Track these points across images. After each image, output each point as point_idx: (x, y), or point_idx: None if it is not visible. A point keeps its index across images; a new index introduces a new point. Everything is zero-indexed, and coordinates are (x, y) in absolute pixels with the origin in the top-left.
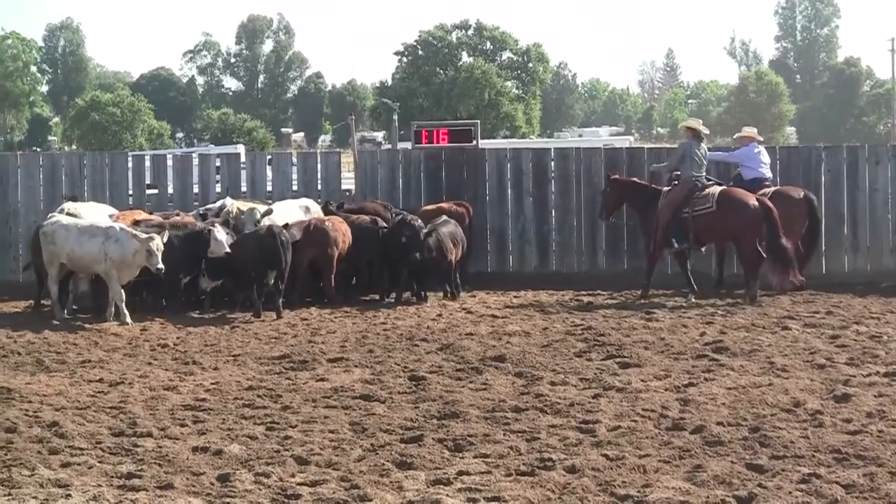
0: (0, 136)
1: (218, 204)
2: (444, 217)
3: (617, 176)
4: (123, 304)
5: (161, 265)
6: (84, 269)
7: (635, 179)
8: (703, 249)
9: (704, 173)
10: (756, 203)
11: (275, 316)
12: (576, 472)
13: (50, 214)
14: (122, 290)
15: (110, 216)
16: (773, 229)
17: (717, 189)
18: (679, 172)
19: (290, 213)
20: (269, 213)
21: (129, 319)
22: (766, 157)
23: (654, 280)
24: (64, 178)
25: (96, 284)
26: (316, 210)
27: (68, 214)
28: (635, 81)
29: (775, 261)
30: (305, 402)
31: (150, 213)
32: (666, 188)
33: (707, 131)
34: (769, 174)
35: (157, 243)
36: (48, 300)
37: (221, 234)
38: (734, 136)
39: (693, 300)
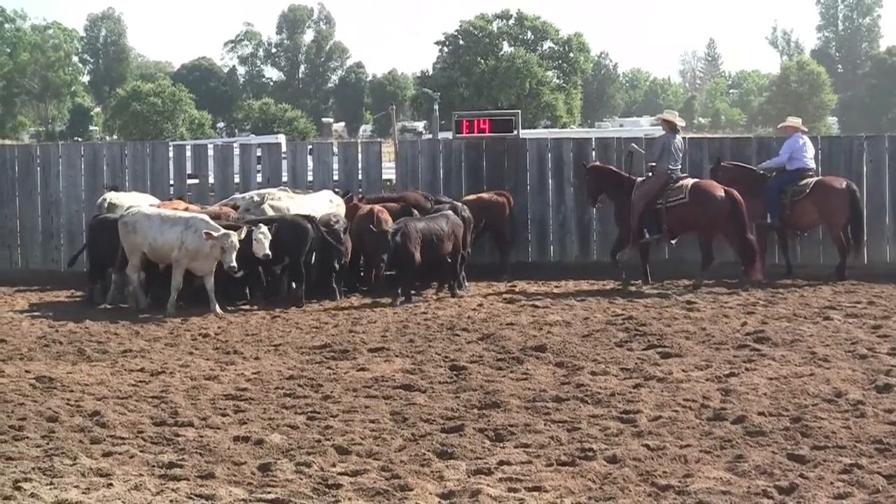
0: (42, 126)
1: (250, 194)
2: (445, 211)
3: (596, 163)
4: (176, 294)
5: (234, 263)
6: (162, 259)
7: (612, 168)
8: (673, 241)
9: (680, 166)
10: (723, 195)
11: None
12: (616, 462)
13: (129, 206)
14: (203, 282)
15: (151, 206)
16: (739, 223)
17: (690, 181)
18: (655, 164)
19: (316, 205)
20: (261, 202)
21: (172, 309)
22: (810, 148)
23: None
24: (105, 168)
25: (151, 274)
26: (338, 202)
27: (110, 204)
28: (676, 71)
29: (742, 254)
30: (346, 391)
31: (189, 204)
32: (640, 179)
33: (683, 123)
34: (812, 165)
35: (233, 241)
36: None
37: (263, 236)
38: (778, 126)
39: (647, 290)
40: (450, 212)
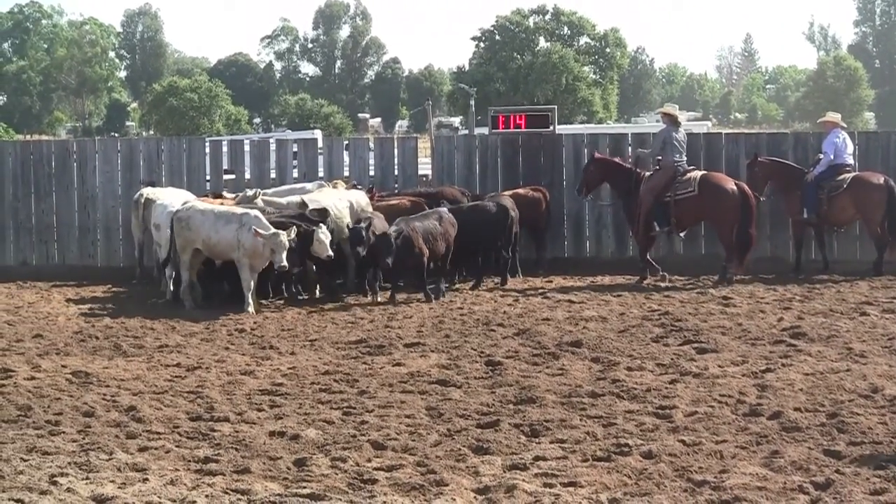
0: (78, 122)
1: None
2: (431, 210)
3: (601, 155)
4: (250, 294)
5: (285, 263)
6: (219, 256)
7: (618, 160)
8: (682, 234)
9: (685, 159)
10: (734, 188)
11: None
12: (652, 457)
13: (185, 201)
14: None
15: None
16: (747, 216)
17: (698, 173)
18: (660, 158)
19: (334, 201)
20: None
21: (251, 309)
22: (849, 144)
23: (664, 264)
24: (142, 163)
25: (210, 271)
26: (364, 202)
27: (148, 200)
28: (713, 66)
29: (739, 246)
30: (382, 386)
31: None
32: (647, 173)
33: (683, 117)
34: (851, 161)
35: (282, 241)
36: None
37: (325, 236)
38: (818, 122)
39: (643, 284)
40: (444, 210)
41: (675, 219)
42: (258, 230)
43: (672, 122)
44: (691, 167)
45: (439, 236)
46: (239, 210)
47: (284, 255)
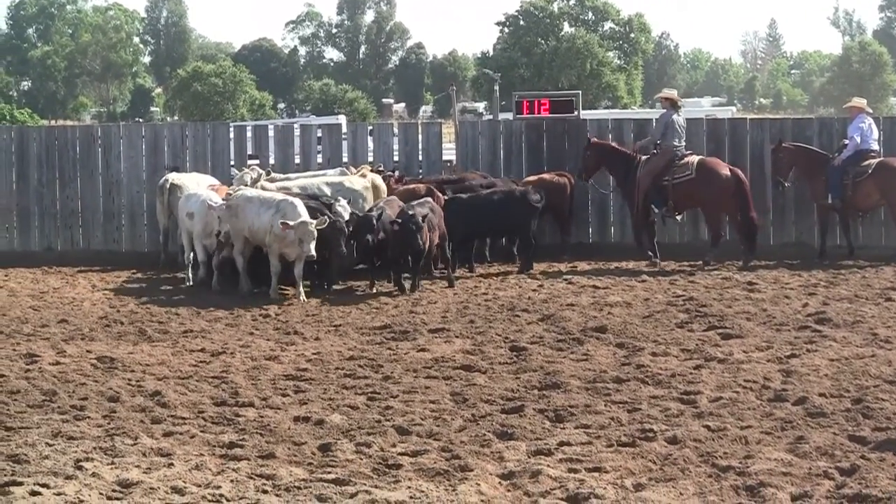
0: (103, 107)
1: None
2: (424, 199)
3: (597, 140)
4: (276, 279)
5: (313, 252)
6: (260, 243)
7: (615, 145)
8: (678, 217)
9: (684, 143)
10: (728, 174)
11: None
12: (677, 443)
13: (236, 188)
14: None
15: (210, 187)
16: (744, 200)
17: (695, 158)
18: (659, 142)
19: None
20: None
21: (276, 295)
22: (875, 129)
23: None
24: (166, 148)
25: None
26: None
27: (173, 185)
28: (738, 51)
29: (745, 232)
30: (406, 372)
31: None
32: (645, 157)
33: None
34: (876, 146)
35: (309, 230)
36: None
37: (344, 209)
38: (843, 107)
39: (659, 266)
40: (429, 199)
41: (672, 202)
42: (285, 221)
43: (672, 105)
44: (689, 151)
45: (436, 224)
46: (279, 196)
47: (312, 244)
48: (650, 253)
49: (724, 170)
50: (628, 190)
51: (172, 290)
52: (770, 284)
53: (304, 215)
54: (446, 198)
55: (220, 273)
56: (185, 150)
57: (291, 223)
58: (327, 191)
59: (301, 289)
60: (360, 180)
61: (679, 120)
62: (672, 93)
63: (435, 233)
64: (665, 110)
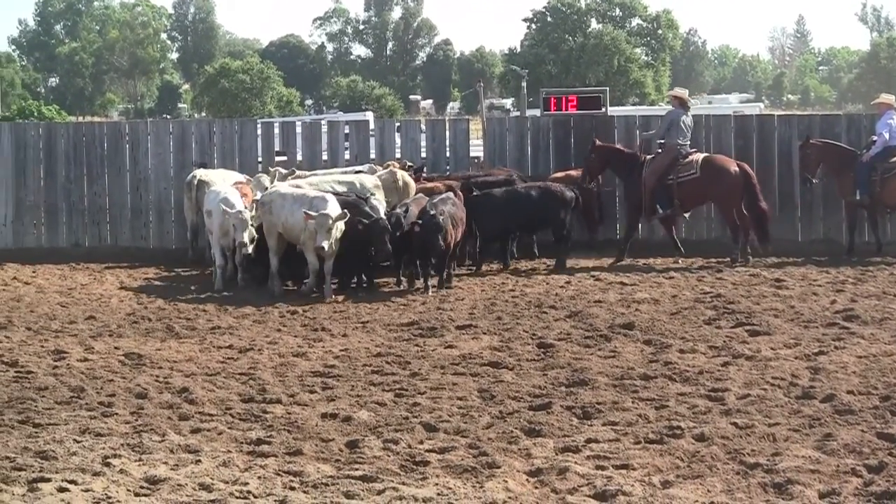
0: (130, 104)
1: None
2: (447, 194)
3: (599, 142)
4: (314, 278)
5: (325, 245)
6: (295, 240)
7: (619, 146)
8: (686, 215)
9: (689, 142)
10: (737, 169)
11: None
12: (705, 440)
13: (273, 185)
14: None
15: (236, 183)
16: (752, 194)
17: (700, 156)
18: (664, 140)
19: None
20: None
21: (308, 291)
22: None
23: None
24: (194, 145)
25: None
26: (370, 184)
27: (200, 182)
28: (765, 48)
29: (756, 223)
30: (434, 368)
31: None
32: (649, 156)
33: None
34: None
35: (327, 222)
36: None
37: (379, 203)
38: (871, 103)
39: (681, 262)
40: (451, 194)
41: (677, 201)
42: (307, 212)
43: (681, 105)
44: (693, 150)
45: (459, 221)
46: (312, 193)
47: (326, 238)
48: (624, 250)
49: (732, 166)
50: (633, 190)
51: (200, 287)
52: (798, 281)
53: (336, 209)
54: (479, 193)
55: (244, 271)
56: (213, 146)
57: (313, 214)
58: (339, 189)
59: (329, 286)
60: (371, 178)
61: (686, 119)
62: (683, 92)
63: (458, 229)
64: (673, 108)
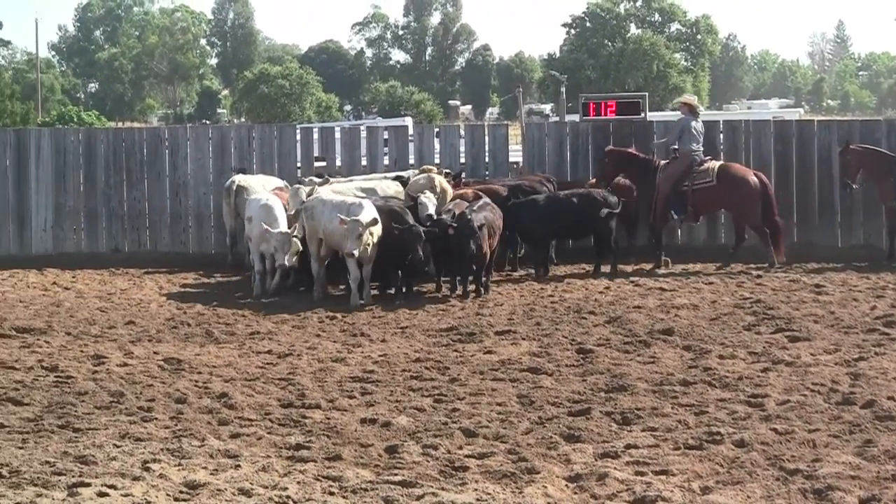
0: (170, 109)
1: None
2: (484, 200)
3: (612, 147)
4: (356, 285)
5: (353, 251)
6: (335, 246)
7: (632, 151)
8: (697, 223)
9: (702, 148)
10: (755, 179)
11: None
12: (744, 446)
13: (316, 191)
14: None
15: (276, 189)
16: (768, 206)
17: (715, 164)
18: (677, 147)
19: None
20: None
21: (357, 301)
22: None
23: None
24: (233, 150)
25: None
26: (392, 191)
27: (239, 187)
28: (805, 53)
29: (772, 235)
30: (473, 374)
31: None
32: (663, 161)
33: (702, 108)
34: None
35: (357, 228)
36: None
37: (429, 200)
38: None
39: (659, 270)
40: (489, 200)
41: (691, 207)
42: (342, 217)
43: (691, 111)
44: (707, 157)
45: (496, 228)
46: (350, 199)
47: (354, 244)
48: (662, 255)
49: (750, 175)
50: (647, 195)
51: (239, 292)
52: (838, 287)
53: (368, 215)
54: (523, 199)
55: (281, 279)
56: (252, 151)
57: (346, 219)
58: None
59: (367, 290)
60: (393, 185)
61: (697, 126)
62: (692, 99)
63: (494, 237)
64: (684, 115)
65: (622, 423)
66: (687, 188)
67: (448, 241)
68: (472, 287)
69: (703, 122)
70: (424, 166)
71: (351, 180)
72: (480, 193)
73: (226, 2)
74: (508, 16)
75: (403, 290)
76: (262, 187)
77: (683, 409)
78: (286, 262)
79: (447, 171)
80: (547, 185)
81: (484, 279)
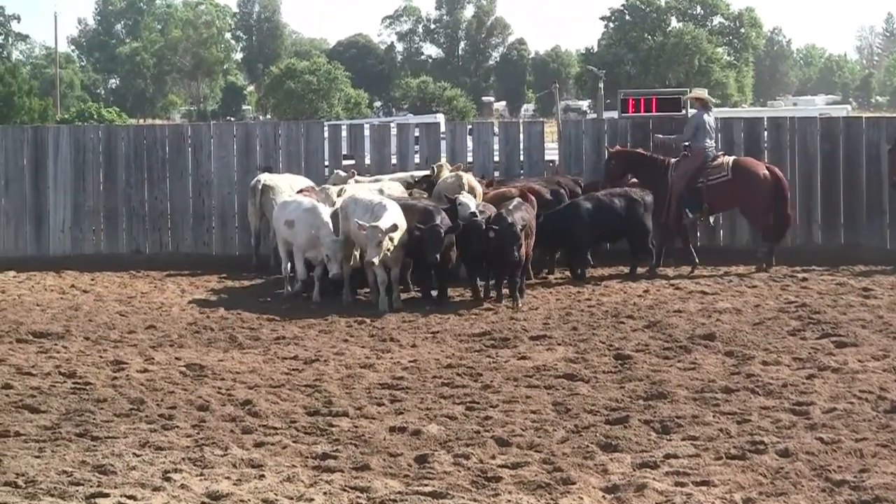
0: (193, 105)
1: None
2: (517, 201)
3: (618, 148)
4: (384, 288)
5: (375, 259)
6: (363, 247)
7: (640, 150)
8: (710, 220)
9: (715, 144)
10: (767, 173)
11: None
12: (789, 455)
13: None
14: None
15: (305, 190)
16: (781, 199)
17: (729, 158)
18: (689, 143)
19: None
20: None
21: (386, 305)
22: None
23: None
24: (258, 148)
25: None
26: (397, 192)
27: (265, 187)
28: (853, 47)
29: (777, 228)
30: (507, 381)
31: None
32: (674, 159)
33: (714, 101)
34: None
35: (375, 234)
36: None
37: (468, 199)
38: None
39: (696, 272)
40: (522, 200)
41: (706, 205)
42: (359, 222)
43: (703, 106)
44: (720, 152)
45: (531, 230)
46: (377, 199)
47: (377, 250)
48: (693, 258)
49: (762, 170)
50: (659, 194)
51: (264, 295)
52: (887, 290)
53: (389, 220)
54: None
55: (321, 284)
56: (278, 149)
57: (364, 224)
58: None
59: (396, 294)
60: (398, 187)
61: (709, 120)
62: (702, 93)
63: (531, 238)
64: (695, 111)
65: (661, 431)
66: (702, 184)
67: (486, 244)
68: (506, 291)
69: (744, 118)
70: (435, 164)
71: (377, 179)
72: (525, 191)
73: None
74: (544, 9)
75: (435, 293)
76: (290, 187)
77: (725, 418)
78: (339, 270)
79: (482, 177)
80: (574, 188)
81: (519, 283)
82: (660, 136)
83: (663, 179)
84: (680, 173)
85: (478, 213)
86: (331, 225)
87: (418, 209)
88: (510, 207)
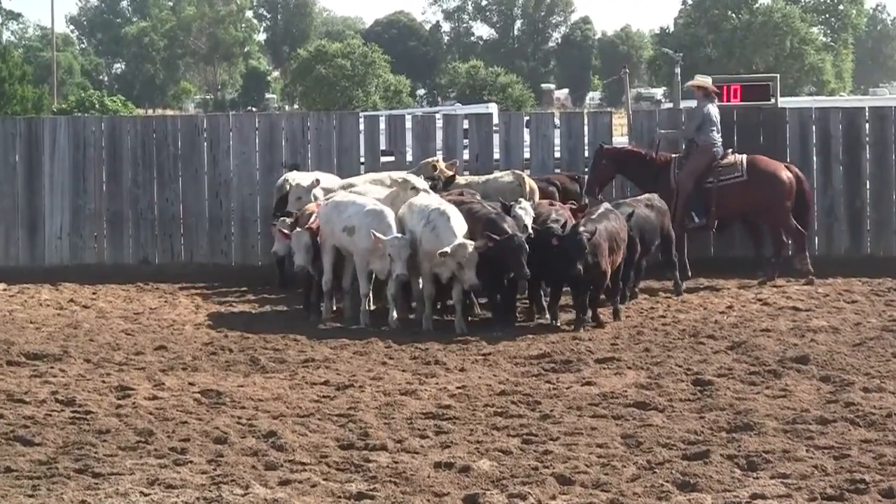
0: (209, 94)
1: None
2: (605, 206)
3: (609, 145)
4: (430, 305)
5: (399, 272)
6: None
7: (633, 148)
8: (713, 228)
9: (722, 139)
10: (790, 174)
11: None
12: (893, 496)
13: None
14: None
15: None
16: (803, 203)
17: (742, 157)
18: (693, 138)
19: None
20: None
21: (430, 322)
22: None
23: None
24: (284, 143)
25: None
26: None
27: (294, 187)
28: None
29: (795, 240)
30: (569, 410)
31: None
32: (675, 156)
33: (717, 90)
34: None
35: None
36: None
37: (524, 211)
38: None
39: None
40: (610, 206)
41: (715, 208)
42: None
43: (706, 95)
44: (728, 149)
45: (619, 241)
46: (434, 204)
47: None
48: (685, 270)
49: (782, 171)
50: (659, 196)
51: (290, 312)
52: None
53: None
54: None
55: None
56: (307, 144)
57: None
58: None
59: (428, 311)
60: (377, 189)
61: (715, 112)
62: (706, 80)
63: (618, 252)
64: (699, 101)
65: (747, 468)
66: (712, 185)
67: (548, 253)
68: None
69: (842, 108)
70: (426, 160)
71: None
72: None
73: None
74: None
75: (504, 315)
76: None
77: (820, 453)
78: (402, 271)
79: (453, 161)
80: (572, 185)
81: (611, 302)
82: (662, 130)
83: (664, 180)
84: (687, 172)
85: (530, 230)
86: (395, 227)
87: (480, 217)
88: (593, 216)
